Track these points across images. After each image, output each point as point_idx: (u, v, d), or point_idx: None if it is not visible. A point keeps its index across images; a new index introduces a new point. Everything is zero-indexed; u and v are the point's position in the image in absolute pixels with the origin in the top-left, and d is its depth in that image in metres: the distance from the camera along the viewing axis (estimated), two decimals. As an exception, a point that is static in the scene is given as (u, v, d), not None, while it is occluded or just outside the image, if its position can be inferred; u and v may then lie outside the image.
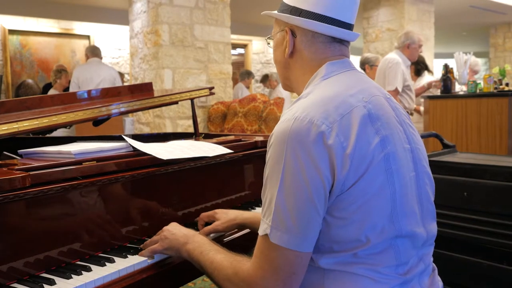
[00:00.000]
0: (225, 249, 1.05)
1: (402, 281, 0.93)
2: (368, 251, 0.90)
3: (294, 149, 0.88)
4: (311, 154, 0.87)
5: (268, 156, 0.93)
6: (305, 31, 1.04)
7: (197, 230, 1.35)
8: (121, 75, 6.15)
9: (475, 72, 5.10)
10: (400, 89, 3.96)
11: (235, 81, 7.25)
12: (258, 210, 1.59)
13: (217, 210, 1.37)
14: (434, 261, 1.07)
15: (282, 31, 1.08)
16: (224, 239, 1.35)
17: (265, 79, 7.42)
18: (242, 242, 1.37)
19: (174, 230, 1.16)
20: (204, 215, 1.38)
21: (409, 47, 3.99)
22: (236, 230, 1.39)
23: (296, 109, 0.92)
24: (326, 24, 1.01)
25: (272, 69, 9.73)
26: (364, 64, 4.72)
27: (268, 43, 1.18)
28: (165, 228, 1.19)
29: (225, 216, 1.34)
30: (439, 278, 1.06)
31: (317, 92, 0.97)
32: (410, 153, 0.98)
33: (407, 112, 4.05)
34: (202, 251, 1.06)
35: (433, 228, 1.03)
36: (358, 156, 0.88)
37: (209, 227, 1.34)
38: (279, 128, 0.92)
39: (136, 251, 1.17)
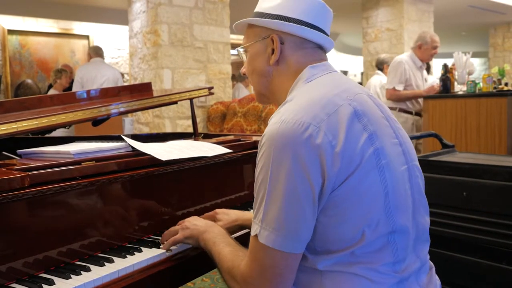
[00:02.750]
0: (236, 243, 1.08)
1: (399, 279, 0.93)
2: (365, 249, 0.90)
3: (281, 151, 0.89)
4: (299, 156, 0.87)
5: (258, 158, 0.95)
6: (294, 38, 1.06)
7: None
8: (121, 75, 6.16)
9: (470, 72, 5.09)
10: (399, 88, 3.94)
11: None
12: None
13: (217, 210, 1.37)
14: (433, 261, 1.08)
15: (265, 39, 1.09)
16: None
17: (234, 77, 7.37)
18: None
19: (195, 221, 1.21)
20: (206, 216, 1.38)
21: (420, 47, 3.98)
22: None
23: (283, 112, 0.94)
24: (315, 31, 1.06)
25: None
26: (382, 64, 4.75)
27: (241, 54, 1.18)
28: (186, 219, 1.24)
29: (227, 217, 1.34)
30: (437, 277, 1.07)
31: (302, 95, 0.98)
32: (399, 147, 1.00)
33: (410, 113, 4.05)
34: (215, 241, 1.09)
35: (426, 221, 1.04)
36: (348, 153, 0.89)
37: None
38: (267, 131, 0.93)
39: (134, 251, 1.17)
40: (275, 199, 0.89)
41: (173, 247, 1.19)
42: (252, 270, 0.93)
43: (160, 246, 1.20)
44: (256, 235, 0.92)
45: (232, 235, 1.36)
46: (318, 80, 1.02)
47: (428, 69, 4.88)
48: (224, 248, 1.05)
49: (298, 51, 1.07)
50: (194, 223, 1.20)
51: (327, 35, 1.09)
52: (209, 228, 1.16)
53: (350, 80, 1.07)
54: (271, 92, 1.13)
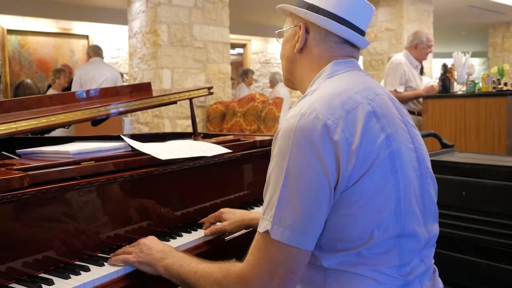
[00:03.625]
0: (206, 260, 1.02)
1: (403, 282, 0.92)
2: (372, 250, 0.90)
3: (300, 145, 0.88)
4: (317, 150, 0.86)
5: (273, 152, 0.93)
6: (319, 29, 1.05)
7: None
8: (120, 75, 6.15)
9: (469, 73, 5.08)
10: (400, 90, 3.93)
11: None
12: (257, 210, 1.59)
13: (223, 210, 1.37)
14: (432, 261, 1.07)
15: (295, 26, 1.09)
16: (226, 238, 1.35)
17: (244, 74, 7.40)
18: (242, 241, 1.37)
19: (151, 245, 1.11)
20: (211, 216, 1.38)
21: (416, 47, 3.96)
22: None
23: (302, 106, 0.93)
24: (342, 25, 1.03)
25: (271, 69, 9.73)
26: None
27: (277, 38, 1.19)
28: (141, 241, 1.14)
29: (233, 216, 1.33)
30: (439, 280, 1.06)
31: (323, 89, 0.97)
32: (414, 153, 0.99)
33: (413, 113, 4.04)
34: (182, 264, 1.02)
35: (435, 228, 1.03)
36: (363, 151, 0.88)
37: (217, 226, 1.33)
38: (285, 124, 0.92)
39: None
40: (291, 193, 0.87)
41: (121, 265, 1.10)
42: (260, 268, 0.88)
43: (108, 262, 1.11)
44: (266, 232, 0.88)
45: (232, 235, 1.37)
46: (339, 76, 1.01)
47: (422, 70, 4.87)
48: (199, 265, 0.99)
49: (322, 43, 1.06)
50: (149, 247, 1.09)
51: (361, 30, 1.06)
52: (167, 253, 1.07)
53: (373, 80, 1.06)
54: (296, 78, 1.13)
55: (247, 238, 1.35)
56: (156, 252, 1.08)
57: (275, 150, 0.92)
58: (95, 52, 5.25)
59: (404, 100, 3.98)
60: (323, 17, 1.03)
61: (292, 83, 1.16)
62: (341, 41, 1.06)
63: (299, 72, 1.11)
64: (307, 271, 0.94)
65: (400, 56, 4.04)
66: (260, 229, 0.90)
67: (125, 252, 1.12)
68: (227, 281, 0.91)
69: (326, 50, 1.06)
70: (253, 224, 1.33)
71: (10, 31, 6.95)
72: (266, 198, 0.92)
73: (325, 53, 1.06)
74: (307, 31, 1.06)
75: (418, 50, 3.96)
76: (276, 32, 1.20)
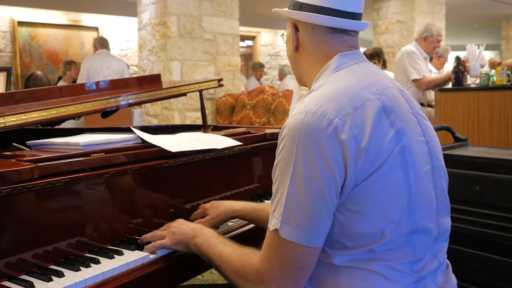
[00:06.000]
0: (233, 242, 1.04)
1: (416, 278, 0.91)
2: (384, 246, 0.88)
3: (306, 143, 0.86)
4: (323, 148, 0.85)
5: (279, 149, 0.92)
6: (305, 25, 1.05)
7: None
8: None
9: (481, 66, 5.01)
10: (428, 74, 3.89)
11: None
12: (266, 203, 1.58)
13: (206, 205, 1.35)
14: (445, 256, 1.06)
15: (290, 27, 1.10)
16: (234, 232, 1.34)
17: (254, 67, 7.44)
18: (251, 235, 1.36)
19: (182, 226, 1.16)
20: (194, 214, 1.36)
21: (426, 39, 3.93)
22: (246, 223, 1.38)
23: (308, 102, 0.91)
24: (323, 15, 1.00)
25: (280, 62, 9.68)
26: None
27: (284, 40, 1.20)
28: (171, 224, 1.19)
29: (215, 210, 1.33)
30: (453, 275, 1.05)
31: (329, 85, 0.95)
32: (426, 146, 0.97)
33: (425, 104, 4.00)
34: (210, 244, 1.06)
35: (447, 222, 1.01)
36: (373, 149, 0.86)
37: (199, 221, 1.31)
38: (290, 121, 0.90)
39: (144, 244, 1.16)
40: (298, 192, 0.87)
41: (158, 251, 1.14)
42: (271, 265, 0.89)
43: (144, 249, 1.14)
44: (276, 230, 0.89)
45: (241, 229, 1.36)
46: (346, 70, 0.99)
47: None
48: (224, 249, 1.02)
49: (312, 38, 1.05)
50: (182, 228, 1.15)
51: (352, 13, 1.01)
52: (198, 232, 1.11)
53: (381, 72, 1.04)
54: (302, 76, 1.13)
55: (256, 232, 1.35)
56: (187, 231, 1.13)
57: (281, 148, 0.91)
58: (101, 44, 5.25)
59: (438, 84, 3.92)
60: (302, 12, 1.02)
61: (301, 81, 1.16)
62: (329, 31, 1.02)
63: (302, 70, 1.11)
64: (318, 270, 0.93)
65: (411, 47, 4.02)
66: (270, 226, 0.91)
67: (156, 236, 1.16)
68: (244, 272, 0.94)
69: (318, 43, 1.04)
70: (236, 216, 1.34)
71: (21, 23, 6.97)
72: (274, 195, 0.92)
73: (319, 47, 1.04)
74: (297, 29, 1.07)
75: (427, 42, 3.93)
76: (281, 35, 1.21)
